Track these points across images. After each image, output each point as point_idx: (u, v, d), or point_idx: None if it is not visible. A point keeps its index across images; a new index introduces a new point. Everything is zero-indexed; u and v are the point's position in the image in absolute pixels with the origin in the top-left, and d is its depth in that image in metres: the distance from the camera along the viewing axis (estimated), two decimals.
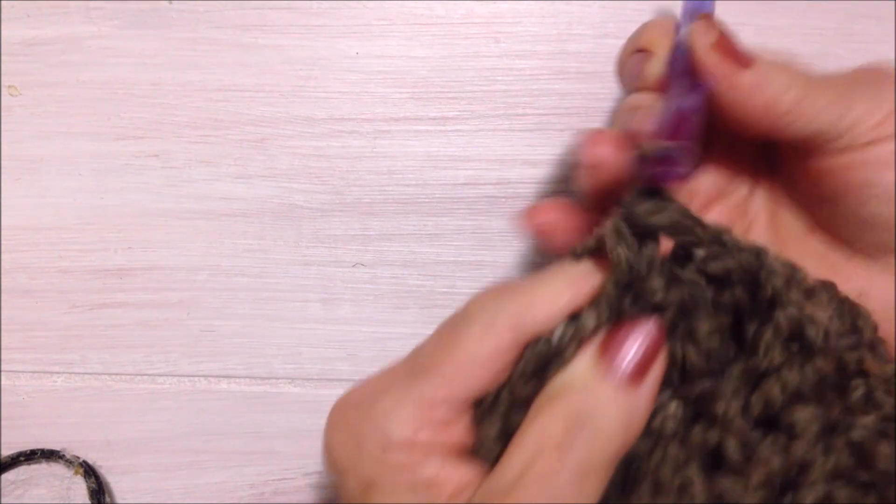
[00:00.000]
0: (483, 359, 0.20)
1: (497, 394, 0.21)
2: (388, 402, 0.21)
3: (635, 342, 0.20)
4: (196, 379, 0.39)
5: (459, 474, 0.20)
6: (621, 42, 0.35)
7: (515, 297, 0.21)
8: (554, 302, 0.21)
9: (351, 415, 0.22)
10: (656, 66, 0.26)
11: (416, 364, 0.22)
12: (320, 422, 0.39)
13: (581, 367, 0.20)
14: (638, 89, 0.27)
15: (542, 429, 0.19)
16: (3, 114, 0.37)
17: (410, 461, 0.20)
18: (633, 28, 0.35)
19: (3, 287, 0.38)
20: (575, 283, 0.21)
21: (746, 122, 0.24)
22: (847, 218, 0.25)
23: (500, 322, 0.21)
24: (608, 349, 0.20)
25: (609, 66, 0.35)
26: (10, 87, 0.36)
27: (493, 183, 0.36)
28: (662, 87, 0.26)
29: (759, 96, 0.23)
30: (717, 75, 0.24)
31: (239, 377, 0.39)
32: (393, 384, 0.22)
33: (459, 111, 0.36)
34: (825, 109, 0.23)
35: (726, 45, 0.24)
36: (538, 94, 0.35)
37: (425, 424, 0.21)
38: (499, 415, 0.21)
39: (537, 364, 0.20)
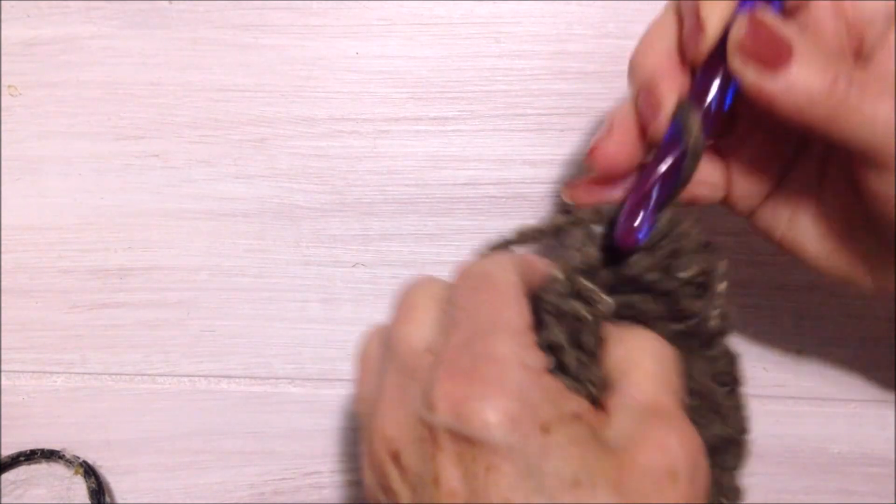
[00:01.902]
0: (519, 293, 0.22)
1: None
2: (505, 341, 0.21)
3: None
4: (196, 379, 0.39)
5: (584, 402, 0.22)
6: (621, 42, 0.35)
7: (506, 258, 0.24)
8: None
9: (485, 371, 0.20)
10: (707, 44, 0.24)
11: (480, 312, 0.22)
12: (320, 422, 0.39)
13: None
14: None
15: (642, 347, 0.23)
16: (3, 114, 0.37)
17: (558, 393, 0.21)
18: (633, 28, 0.35)
19: (3, 287, 0.38)
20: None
21: (783, 121, 0.23)
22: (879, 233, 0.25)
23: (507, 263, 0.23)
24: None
25: (609, 66, 0.35)
26: (10, 87, 0.36)
27: (493, 183, 0.36)
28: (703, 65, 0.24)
29: (789, 102, 0.22)
30: (744, 80, 0.23)
31: (239, 377, 0.39)
32: (488, 328, 0.21)
33: (459, 111, 0.36)
34: (869, 122, 0.22)
35: (754, 47, 0.22)
36: (538, 94, 0.35)
37: (539, 351, 0.21)
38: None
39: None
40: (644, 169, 0.25)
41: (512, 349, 0.20)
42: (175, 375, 0.39)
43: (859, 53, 0.25)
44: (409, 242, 0.37)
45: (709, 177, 0.28)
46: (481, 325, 0.21)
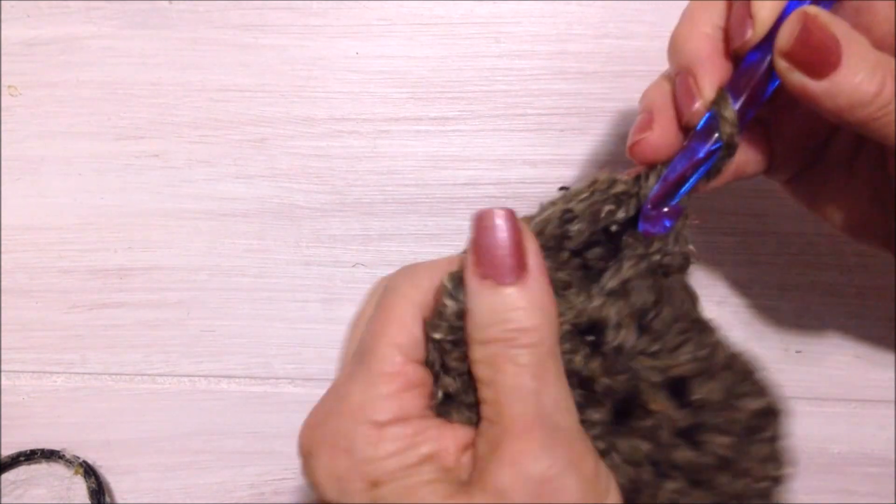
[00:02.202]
0: (410, 318, 0.22)
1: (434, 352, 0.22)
2: (358, 393, 0.21)
3: (497, 237, 0.21)
4: (196, 379, 0.39)
5: (458, 436, 0.21)
6: (621, 42, 0.35)
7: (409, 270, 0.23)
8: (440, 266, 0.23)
9: (327, 427, 0.21)
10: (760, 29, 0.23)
11: (358, 354, 0.22)
12: None
13: (474, 288, 0.21)
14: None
15: (489, 358, 0.21)
16: (3, 114, 0.37)
17: (407, 439, 0.20)
18: (633, 28, 0.35)
19: (3, 287, 0.38)
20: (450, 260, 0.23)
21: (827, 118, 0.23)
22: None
23: (409, 288, 0.22)
24: (479, 259, 0.21)
25: (609, 66, 0.35)
26: (10, 87, 0.36)
27: (493, 183, 0.36)
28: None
29: (832, 104, 0.22)
30: (787, 81, 0.22)
31: (239, 377, 0.39)
32: (351, 380, 0.21)
33: (459, 111, 0.36)
34: None
35: (803, 53, 0.22)
36: (538, 94, 0.35)
37: (403, 392, 0.21)
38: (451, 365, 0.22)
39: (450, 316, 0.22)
40: (678, 155, 0.24)
41: (361, 402, 0.21)
42: (175, 375, 0.39)
43: None
44: (409, 242, 0.37)
45: (752, 155, 0.27)
46: (358, 365, 0.22)
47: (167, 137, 0.36)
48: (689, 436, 0.23)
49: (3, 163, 0.37)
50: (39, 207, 0.37)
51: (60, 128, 0.37)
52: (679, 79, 0.24)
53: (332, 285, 0.38)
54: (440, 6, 0.35)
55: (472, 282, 0.21)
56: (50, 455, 0.38)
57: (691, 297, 0.25)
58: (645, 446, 0.23)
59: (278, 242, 0.37)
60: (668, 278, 0.24)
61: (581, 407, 0.22)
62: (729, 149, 0.24)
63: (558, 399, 0.21)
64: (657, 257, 0.24)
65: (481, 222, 0.21)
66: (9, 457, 0.38)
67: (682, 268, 0.25)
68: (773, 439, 0.24)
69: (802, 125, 0.27)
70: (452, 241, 0.37)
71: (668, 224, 0.24)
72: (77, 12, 0.36)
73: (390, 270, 0.37)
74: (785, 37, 0.22)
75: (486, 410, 0.21)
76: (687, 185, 0.24)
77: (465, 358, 0.22)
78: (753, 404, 0.23)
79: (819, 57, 0.22)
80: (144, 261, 0.38)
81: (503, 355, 0.20)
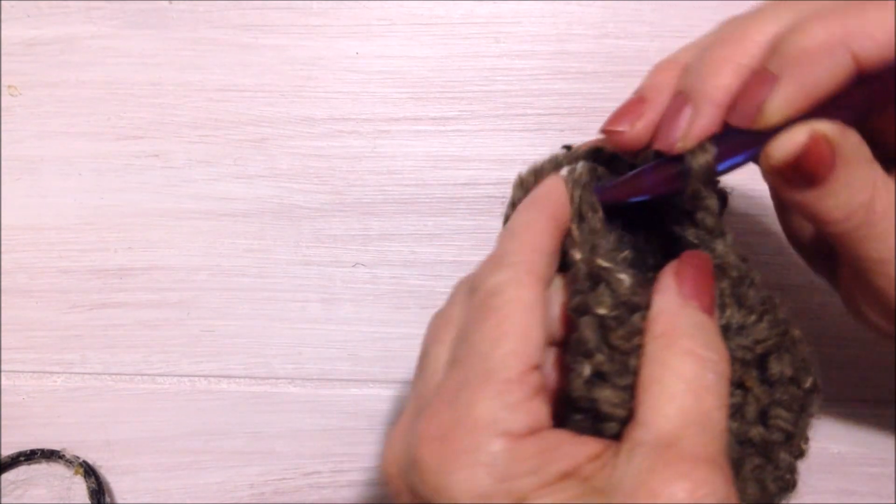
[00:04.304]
0: (527, 318, 0.20)
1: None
2: (486, 403, 0.19)
3: (701, 272, 0.21)
4: (196, 379, 0.39)
5: (588, 448, 0.20)
6: (621, 42, 0.35)
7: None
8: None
9: (457, 441, 0.19)
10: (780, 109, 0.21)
11: (474, 361, 0.20)
12: (320, 422, 0.39)
13: (673, 301, 0.21)
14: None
15: (685, 373, 0.19)
16: (3, 114, 0.37)
17: (546, 454, 0.19)
18: (633, 28, 0.35)
19: (3, 287, 0.38)
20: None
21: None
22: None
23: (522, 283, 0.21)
24: (688, 284, 0.21)
25: (609, 66, 0.35)
26: (10, 87, 0.36)
27: (493, 183, 0.36)
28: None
29: (812, 213, 0.22)
30: (779, 192, 0.22)
31: (239, 377, 0.39)
32: (472, 389, 0.20)
33: (459, 111, 0.36)
34: (872, 260, 0.22)
35: (796, 172, 0.21)
36: (538, 94, 0.35)
37: (531, 400, 0.20)
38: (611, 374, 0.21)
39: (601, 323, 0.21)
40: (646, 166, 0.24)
41: (492, 412, 0.19)
42: (175, 375, 0.39)
43: None
44: (409, 242, 0.37)
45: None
46: (472, 372, 0.20)
47: (167, 137, 0.36)
48: (762, 413, 0.23)
49: (3, 163, 0.37)
50: (39, 207, 0.37)
51: (60, 128, 0.37)
52: (677, 98, 0.23)
53: (332, 285, 0.38)
54: (440, 6, 0.35)
55: (676, 296, 0.21)
56: (50, 455, 0.38)
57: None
58: (733, 425, 0.22)
59: (278, 242, 0.37)
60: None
61: None
62: (695, 200, 0.23)
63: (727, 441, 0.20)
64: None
65: (701, 262, 0.22)
66: (9, 457, 0.38)
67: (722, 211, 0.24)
68: (813, 415, 0.24)
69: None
70: (452, 241, 0.37)
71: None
72: (77, 12, 0.36)
73: (390, 270, 0.37)
74: (780, 152, 0.21)
75: (659, 422, 0.19)
76: (638, 198, 0.24)
77: (630, 337, 0.20)
78: (808, 381, 0.23)
79: (810, 170, 0.21)
80: (144, 261, 0.38)
81: (701, 378, 0.19)
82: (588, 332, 0.20)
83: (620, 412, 0.20)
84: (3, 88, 0.36)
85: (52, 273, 0.38)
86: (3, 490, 0.38)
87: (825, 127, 0.21)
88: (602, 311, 0.20)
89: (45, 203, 0.37)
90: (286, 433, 0.39)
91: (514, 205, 0.25)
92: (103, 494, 0.37)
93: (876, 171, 0.22)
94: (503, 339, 0.20)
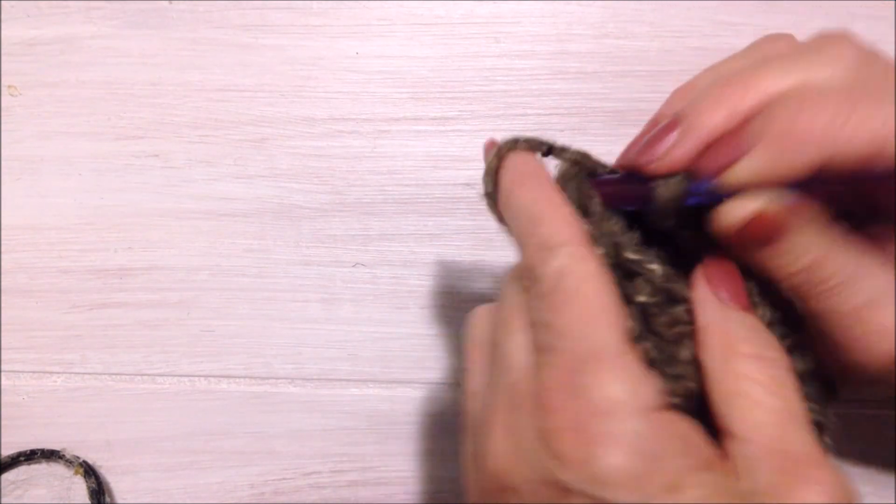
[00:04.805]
0: (606, 295, 0.20)
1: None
2: (608, 389, 0.19)
3: (730, 273, 0.22)
4: (196, 379, 0.39)
5: (705, 440, 0.20)
6: (621, 42, 0.35)
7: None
8: None
9: (597, 428, 0.19)
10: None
11: (568, 344, 0.20)
12: (320, 422, 0.39)
13: (715, 306, 0.21)
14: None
15: (760, 378, 0.20)
16: (3, 114, 0.37)
17: (683, 439, 0.19)
18: (633, 28, 0.35)
19: (3, 287, 0.38)
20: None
21: None
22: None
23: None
24: (723, 288, 0.21)
25: (609, 66, 0.35)
26: (10, 87, 0.36)
27: None
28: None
29: (773, 264, 0.22)
30: (733, 244, 0.22)
31: (239, 377, 0.39)
32: (583, 377, 0.19)
33: (459, 111, 0.36)
34: (843, 286, 0.22)
35: (747, 235, 0.21)
36: (538, 94, 0.35)
37: (647, 380, 0.19)
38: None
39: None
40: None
41: (622, 389, 0.19)
42: (175, 375, 0.39)
43: None
44: (409, 242, 0.37)
45: None
46: (578, 355, 0.19)
47: (167, 137, 0.36)
48: None
49: (3, 163, 0.37)
50: (39, 207, 0.37)
51: (60, 128, 0.37)
52: (671, 120, 0.23)
53: (332, 285, 0.38)
54: (440, 6, 0.35)
55: (716, 303, 0.21)
56: (50, 455, 0.38)
57: None
58: None
59: (278, 242, 0.37)
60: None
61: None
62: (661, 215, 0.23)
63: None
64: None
65: (725, 263, 0.22)
66: (9, 457, 0.38)
67: None
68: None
69: None
70: (452, 241, 0.37)
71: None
72: (77, 12, 0.36)
73: (390, 270, 0.37)
74: (726, 219, 0.21)
75: (753, 431, 0.19)
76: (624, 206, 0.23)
77: (673, 324, 0.21)
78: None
79: (756, 241, 0.21)
80: (144, 261, 0.38)
81: (774, 378, 0.20)
82: (631, 321, 0.21)
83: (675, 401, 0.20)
84: (3, 88, 0.36)
85: (52, 273, 0.38)
86: (3, 490, 0.38)
87: (774, 199, 0.21)
88: (643, 298, 0.21)
89: (45, 203, 0.37)
90: (286, 433, 0.39)
91: (491, 195, 0.25)
92: (103, 494, 0.37)
93: (828, 236, 0.22)
94: (595, 318, 0.20)
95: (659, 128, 0.23)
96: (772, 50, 0.24)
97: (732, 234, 0.21)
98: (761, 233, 0.21)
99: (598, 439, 0.18)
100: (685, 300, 0.21)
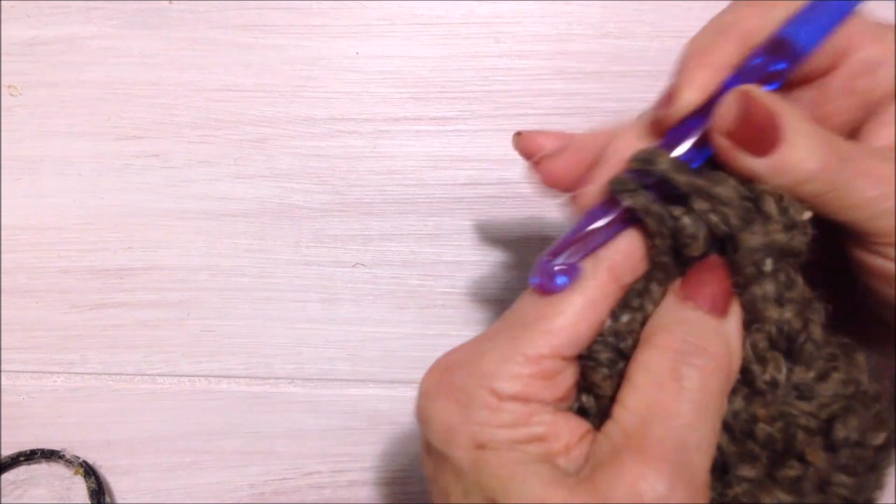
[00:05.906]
0: (580, 310, 0.21)
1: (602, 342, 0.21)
2: (493, 360, 0.21)
3: (704, 271, 0.21)
4: (196, 379, 0.39)
5: (571, 426, 0.21)
6: (621, 42, 0.35)
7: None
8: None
9: (453, 377, 0.21)
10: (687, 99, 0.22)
11: (516, 322, 0.21)
12: (320, 422, 0.39)
13: (670, 304, 0.21)
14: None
15: (653, 366, 0.20)
16: (3, 114, 0.37)
17: (522, 416, 0.20)
18: (633, 28, 0.35)
19: (3, 287, 0.38)
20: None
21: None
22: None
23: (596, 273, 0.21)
24: (689, 286, 0.21)
25: (609, 66, 0.35)
26: (10, 87, 0.36)
27: (493, 183, 0.36)
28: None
29: (777, 180, 0.21)
30: (728, 160, 0.21)
31: (239, 377, 0.39)
32: (495, 344, 0.21)
33: (459, 111, 0.36)
34: (857, 206, 0.21)
35: (742, 134, 0.21)
36: (538, 94, 0.35)
37: (534, 379, 0.20)
38: (606, 363, 0.21)
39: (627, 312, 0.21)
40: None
41: (494, 368, 0.20)
42: (175, 375, 0.39)
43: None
44: (409, 242, 0.37)
45: None
46: (504, 333, 0.21)
47: (167, 137, 0.36)
48: (822, 482, 0.20)
49: (3, 163, 0.37)
50: (39, 207, 0.37)
51: (60, 128, 0.37)
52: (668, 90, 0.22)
53: (332, 285, 0.38)
54: (440, 6, 0.35)
55: (671, 299, 0.21)
56: (50, 455, 0.38)
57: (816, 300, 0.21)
58: (787, 499, 0.20)
59: (278, 242, 0.37)
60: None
61: (732, 463, 0.20)
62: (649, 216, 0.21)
63: (703, 441, 0.19)
64: (781, 238, 0.20)
65: (706, 263, 0.21)
66: (9, 457, 0.38)
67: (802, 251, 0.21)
68: (886, 473, 0.21)
69: None
70: (452, 241, 0.37)
71: (560, 282, 0.21)
72: (77, 12, 0.36)
73: (390, 270, 0.37)
74: (723, 116, 0.21)
75: (622, 415, 0.20)
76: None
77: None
78: (878, 439, 0.21)
79: (759, 135, 0.20)
80: (144, 261, 0.38)
81: (672, 370, 0.19)
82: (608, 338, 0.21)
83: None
84: (3, 88, 0.36)
85: (52, 273, 0.38)
86: (3, 490, 0.38)
87: (749, 86, 0.21)
88: (625, 318, 0.21)
89: (45, 203, 0.37)
90: (286, 433, 0.39)
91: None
92: (103, 494, 0.37)
93: (824, 130, 0.21)
94: (545, 317, 0.21)
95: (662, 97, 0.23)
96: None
97: (734, 133, 0.21)
98: (758, 125, 0.20)
99: (445, 385, 0.21)
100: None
